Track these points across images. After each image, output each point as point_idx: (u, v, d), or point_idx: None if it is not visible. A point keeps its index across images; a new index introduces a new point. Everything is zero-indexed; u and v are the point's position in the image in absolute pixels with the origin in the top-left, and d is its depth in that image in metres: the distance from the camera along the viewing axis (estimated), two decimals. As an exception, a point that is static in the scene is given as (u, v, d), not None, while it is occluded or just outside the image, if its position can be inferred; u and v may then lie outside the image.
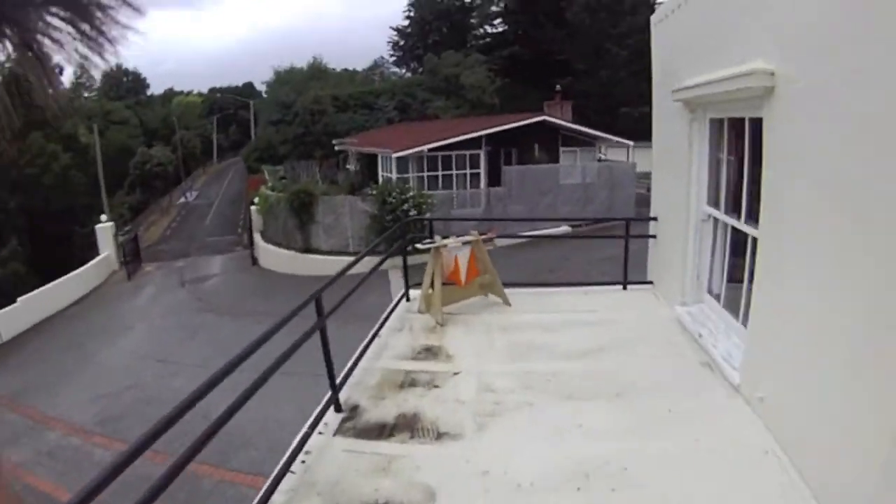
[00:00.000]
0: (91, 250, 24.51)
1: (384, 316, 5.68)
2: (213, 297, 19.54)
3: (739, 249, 4.11)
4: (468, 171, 23.48)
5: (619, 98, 37.43)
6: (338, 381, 4.33)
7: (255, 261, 24.27)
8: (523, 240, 17.78)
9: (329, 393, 4.03)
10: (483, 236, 5.93)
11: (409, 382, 4.35)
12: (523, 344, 4.87)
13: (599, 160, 26.78)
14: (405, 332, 5.42)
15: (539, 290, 6.35)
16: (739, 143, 3.92)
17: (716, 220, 4.59)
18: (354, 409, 4.03)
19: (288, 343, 3.23)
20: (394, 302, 6.09)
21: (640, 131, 31.60)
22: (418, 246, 5.95)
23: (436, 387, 4.24)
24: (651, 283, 6.05)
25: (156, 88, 74.53)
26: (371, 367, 4.70)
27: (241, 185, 44.49)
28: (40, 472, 9.61)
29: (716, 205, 4.56)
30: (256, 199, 26.07)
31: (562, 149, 25.01)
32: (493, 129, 23.52)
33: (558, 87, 30.35)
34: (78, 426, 11.13)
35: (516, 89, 40.12)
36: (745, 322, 3.95)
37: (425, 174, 23.04)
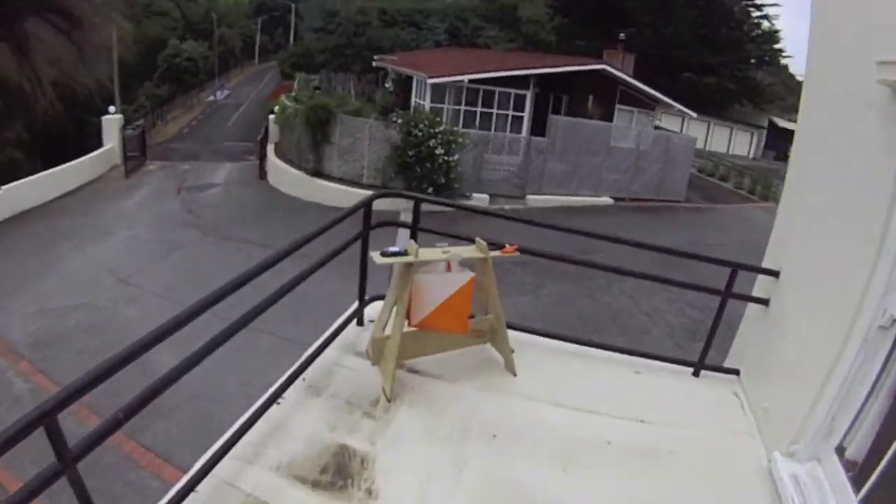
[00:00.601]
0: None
1: (308, 354, 3.30)
2: (205, 211, 17.65)
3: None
4: (510, 113, 20.70)
5: (680, 61, 33.70)
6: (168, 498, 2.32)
7: (263, 175, 22.22)
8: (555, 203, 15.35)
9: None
10: (495, 252, 3.43)
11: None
12: (509, 490, 2.74)
13: (656, 127, 23.72)
14: (323, 400, 3.15)
15: (565, 347, 3.90)
16: None
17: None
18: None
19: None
20: (334, 325, 3.66)
21: (700, 103, 28.45)
22: (375, 258, 3.26)
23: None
24: (737, 373, 3.70)
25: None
26: (233, 478, 2.57)
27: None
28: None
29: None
30: (276, 108, 23.77)
31: (618, 106, 21.90)
32: (545, 69, 20.55)
33: (622, 35, 26.32)
34: (11, 345, 9.83)
35: (575, 30, 36.35)
36: None
37: (462, 108, 20.43)
